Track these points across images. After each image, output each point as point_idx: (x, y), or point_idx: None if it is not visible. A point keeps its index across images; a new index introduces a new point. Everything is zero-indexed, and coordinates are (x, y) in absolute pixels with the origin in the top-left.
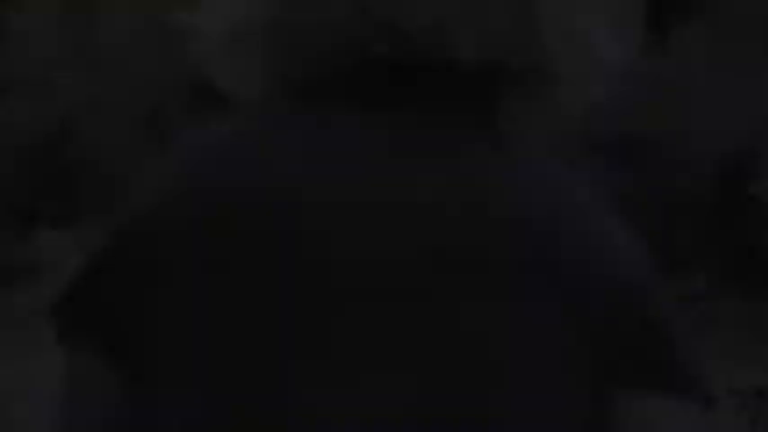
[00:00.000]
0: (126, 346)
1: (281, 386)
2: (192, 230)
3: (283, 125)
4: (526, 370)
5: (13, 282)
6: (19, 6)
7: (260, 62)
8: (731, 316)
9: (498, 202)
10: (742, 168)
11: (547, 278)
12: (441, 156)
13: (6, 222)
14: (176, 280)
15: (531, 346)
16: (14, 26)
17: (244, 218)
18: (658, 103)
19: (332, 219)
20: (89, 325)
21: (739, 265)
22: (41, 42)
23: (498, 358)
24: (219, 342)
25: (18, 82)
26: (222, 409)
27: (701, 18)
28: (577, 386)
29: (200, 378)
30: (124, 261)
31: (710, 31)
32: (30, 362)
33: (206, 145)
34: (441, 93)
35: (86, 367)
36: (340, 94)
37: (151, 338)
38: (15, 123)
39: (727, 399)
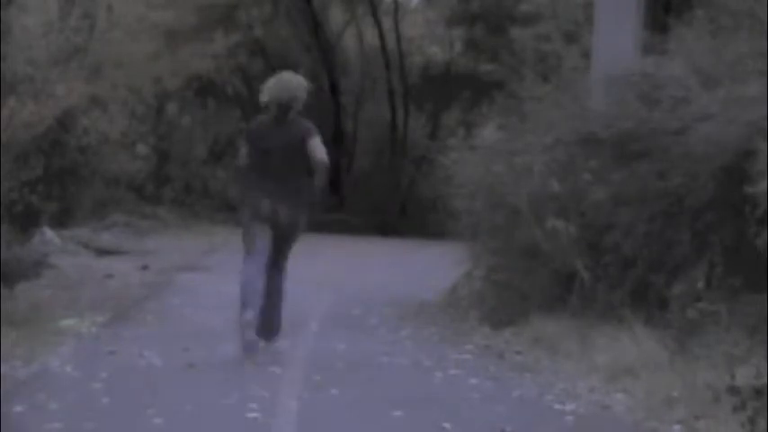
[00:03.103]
0: (249, 143)
1: (268, 164)
2: (255, 132)
3: (269, 122)
4: (305, 156)
5: (14, 282)
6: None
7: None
8: (730, 316)
9: (294, 132)
10: (740, 168)
11: (304, 132)
12: (285, 129)
13: (6, 222)
14: (252, 137)
15: (303, 148)
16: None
17: (259, 135)
18: (658, 103)
19: (269, 139)
20: (246, 140)
21: (738, 266)
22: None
23: (299, 151)
24: (256, 147)
25: (18, 82)
26: (257, 162)
27: (700, 17)
28: (303, 149)
29: (252, 153)
30: (250, 131)
31: (709, 29)
32: (30, 362)
33: (256, 121)
34: (285, 113)
35: (245, 149)
36: (276, 117)
37: (250, 143)
38: (15, 123)
39: (726, 399)
